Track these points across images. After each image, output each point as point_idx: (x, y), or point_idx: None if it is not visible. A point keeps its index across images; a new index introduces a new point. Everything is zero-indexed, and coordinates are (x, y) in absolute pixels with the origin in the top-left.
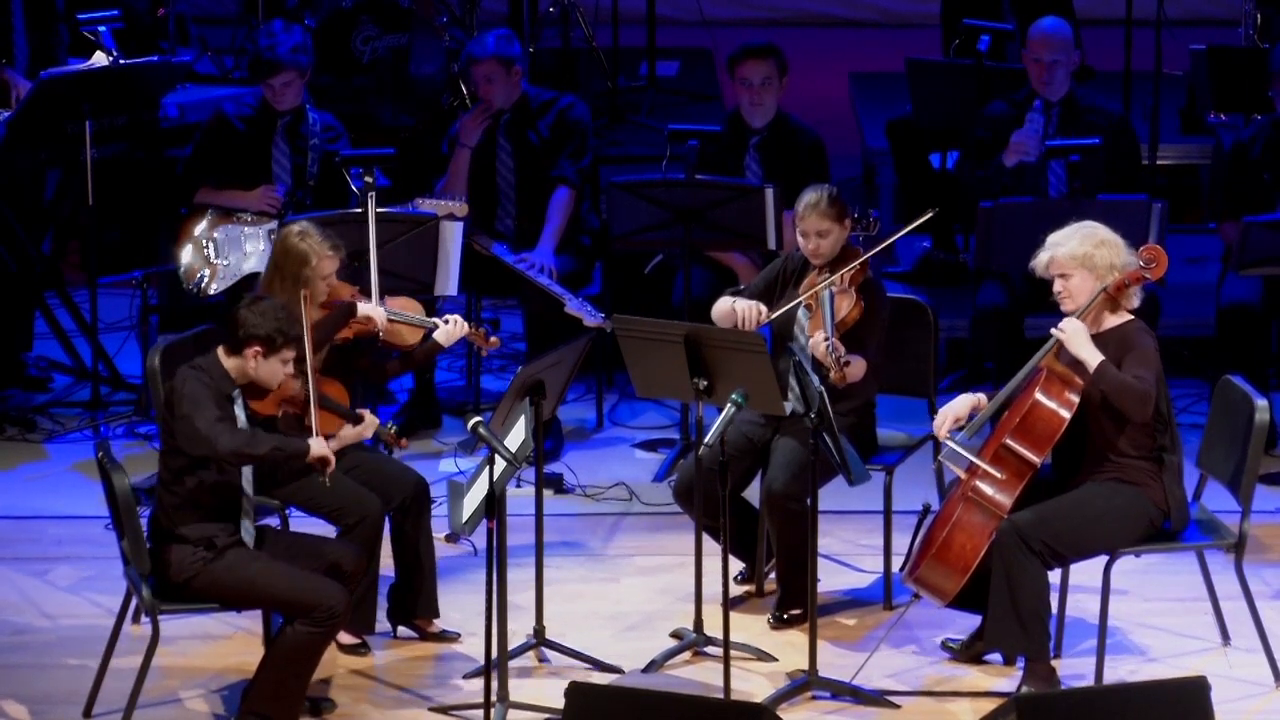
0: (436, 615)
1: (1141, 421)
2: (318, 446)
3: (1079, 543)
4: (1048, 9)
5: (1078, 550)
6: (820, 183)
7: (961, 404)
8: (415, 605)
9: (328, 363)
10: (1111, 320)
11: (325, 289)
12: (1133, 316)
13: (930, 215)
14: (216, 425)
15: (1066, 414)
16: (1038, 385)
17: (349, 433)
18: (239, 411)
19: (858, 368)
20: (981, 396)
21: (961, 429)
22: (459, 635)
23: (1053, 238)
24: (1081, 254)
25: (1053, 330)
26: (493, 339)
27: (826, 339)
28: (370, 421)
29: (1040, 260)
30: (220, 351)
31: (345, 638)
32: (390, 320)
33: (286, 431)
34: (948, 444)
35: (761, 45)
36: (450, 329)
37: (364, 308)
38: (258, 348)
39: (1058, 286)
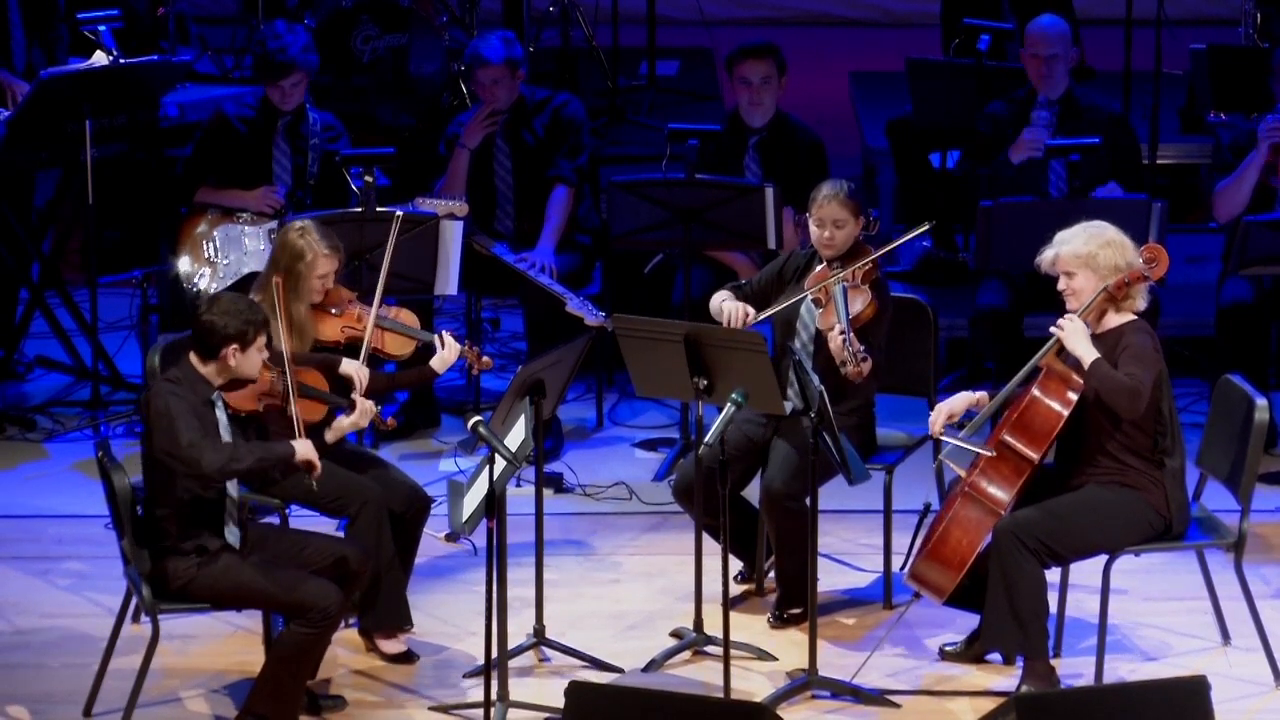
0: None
1: (1132, 418)
2: (303, 449)
3: (1075, 543)
4: (1047, 8)
5: (1074, 550)
6: (823, 181)
7: (958, 401)
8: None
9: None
10: (1113, 320)
11: (320, 287)
12: (1136, 317)
13: (927, 227)
14: (199, 443)
15: (1064, 410)
16: (1037, 382)
17: (344, 422)
18: (220, 414)
19: (868, 366)
20: (982, 394)
21: (961, 427)
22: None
23: (1060, 235)
24: (1085, 253)
25: (1052, 328)
26: (485, 359)
27: (843, 333)
28: (365, 408)
29: (1045, 257)
30: (194, 359)
31: (389, 646)
32: (380, 327)
33: (271, 425)
34: (949, 442)
35: (760, 44)
36: (445, 355)
37: (346, 366)
38: (234, 346)
39: (1062, 284)
